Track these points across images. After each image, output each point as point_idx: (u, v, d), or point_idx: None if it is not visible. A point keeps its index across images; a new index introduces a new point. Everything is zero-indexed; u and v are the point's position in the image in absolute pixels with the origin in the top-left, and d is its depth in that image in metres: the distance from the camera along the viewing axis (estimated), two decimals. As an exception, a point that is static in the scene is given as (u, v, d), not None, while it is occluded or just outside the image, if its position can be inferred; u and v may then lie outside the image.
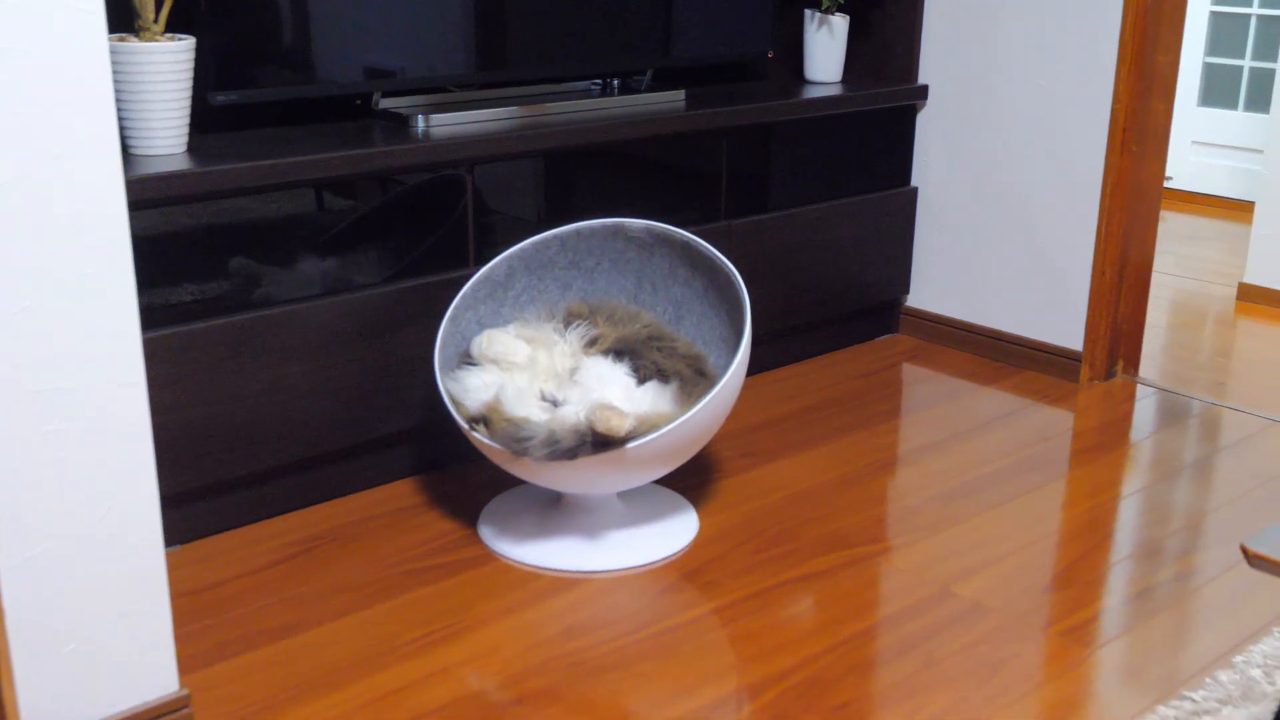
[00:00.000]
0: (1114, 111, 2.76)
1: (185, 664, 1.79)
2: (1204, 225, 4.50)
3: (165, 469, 2.00)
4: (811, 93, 2.87)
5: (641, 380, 2.04)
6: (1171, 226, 4.38)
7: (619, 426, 1.90)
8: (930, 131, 3.09)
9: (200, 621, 1.91)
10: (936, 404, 2.82)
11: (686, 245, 2.23)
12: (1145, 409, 2.82)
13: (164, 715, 1.58)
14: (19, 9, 1.33)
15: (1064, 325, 2.95)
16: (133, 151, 1.99)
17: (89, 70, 1.38)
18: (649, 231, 2.25)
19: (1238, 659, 1.86)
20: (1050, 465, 2.52)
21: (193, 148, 2.06)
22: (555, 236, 2.24)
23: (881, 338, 3.23)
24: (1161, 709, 1.74)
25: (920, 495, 2.37)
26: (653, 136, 2.55)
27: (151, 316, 1.97)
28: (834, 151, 2.92)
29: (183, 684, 1.64)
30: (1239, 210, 4.59)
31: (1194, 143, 4.72)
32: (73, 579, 1.48)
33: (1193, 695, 1.78)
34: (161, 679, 1.58)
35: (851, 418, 2.72)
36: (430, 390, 2.31)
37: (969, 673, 1.83)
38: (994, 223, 3.03)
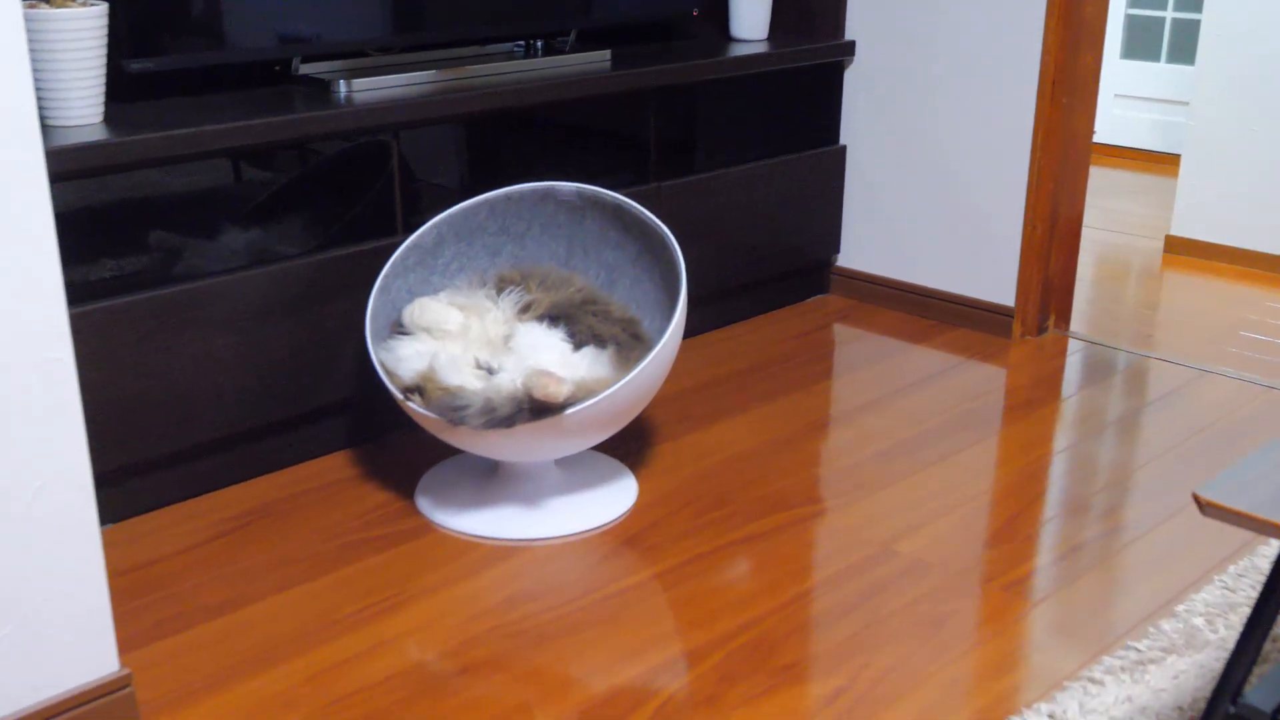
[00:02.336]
0: (1043, 63, 2.85)
1: (124, 643, 1.82)
2: (1128, 179, 4.64)
3: (95, 447, 2.02)
4: (738, 50, 2.93)
5: (577, 346, 2.09)
6: (1095, 180, 4.50)
7: (557, 393, 1.95)
8: (858, 89, 3.17)
9: (137, 600, 1.94)
10: (869, 364, 2.90)
11: (618, 208, 2.28)
12: (1077, 364, 2.93)
13: (105, 695, 1.61)
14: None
15: (995, 281, 3.05)
16: (48, 123, 1.99)
17: (2, 39, 1.39)
18: (579, 195, 2.30)
19: (1179, 608, 1.95)
20: (984, 422, 2.61)
21: (109, 118, 2.06)
22: (484, 202, 2.28)
23: (813, 298, 3.31)
24: (1106, 659, 1.82)
25: (856, 455, 2.46)
26: (579, 99, 2.59)
27: (73, 292, 1.98)
28: (762, 110, 2.98)
29: (122, 663, 1.68)
30: (1163, 163, 4.75)
31: (1117, 95, 4.86)
32: (5, 562, 1.50)
33: (1136, 645, 1.85)
34: (101, 659, 1.61)
35: (785, 379, 2.80)
36: (362, 361, 2.35)
37: (912, 629, 1.91)
38: (924, 180, 3.11)
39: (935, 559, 2.09)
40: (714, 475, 2.36)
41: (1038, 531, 2.20)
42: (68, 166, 1.92)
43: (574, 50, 2.70)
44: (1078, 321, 3.18)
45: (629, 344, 2.13)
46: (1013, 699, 1.75)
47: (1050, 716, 1.70)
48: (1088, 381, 2.84)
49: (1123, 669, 1.80)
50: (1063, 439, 2.55)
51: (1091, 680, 1.77)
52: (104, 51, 2.01)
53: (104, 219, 2.03)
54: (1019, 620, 1.94)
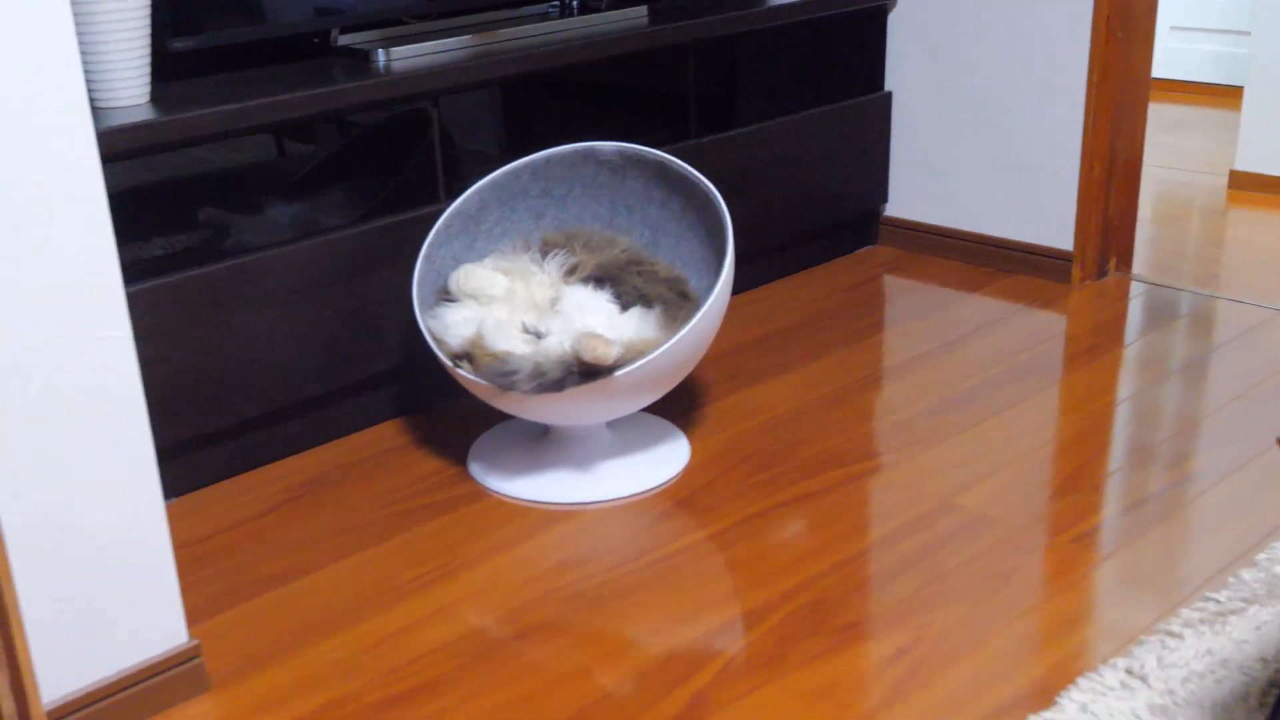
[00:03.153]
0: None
1: (190, 614, 1.89)
2: (1188, 114, 4.59)
3: (152, 423, 2.08)
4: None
5: (624, 307, 2.13)
6: (1153, 117, 4.45)
7: (606, 355, 1.99)
8: (902, 33, 3.15)
9: (201, 571, 2.01)
10: (922, 315, 2.91)
11: (661, 166, 2.30)
12: (1140, 307, 2.92)
13: (176, 666, 1.68)
14: (-22, -32, 1.39)
15: (1052, 225, 3.04)
16: (97, 104, 2.06)
17: (53, 23, 1.44)
18: (621, 154, 2.33)
19: (1260, 556, 1.91)
20: (1045, 370, 2.61)
21: (156, 97, 2.12)
22: (525, 165, 2.32)
23: (861, 250, 3.32)
24: (1184, 611, 1.78)
25: (912, 409, 2.47)
26: (616, 56, 2.62)
27: (126, 271, 2.04)
28: (804, 60, 2.99)
29: (190, 634, 1.74)
30: (1224, 96, 4.69)
31: (1173, 28, 4.80)
32: (76, 537, 1.57)
33: (1216, 596, 1.82)
34: (171, 630, 1.69)
35: (836, 333, 2.82)
36: (410, 329, 2.40)
37: (976, 585, 1.90)
38: (974, 124, 3.11)
39: (998, 513, 2.10)
40: (766, 433, 2.39)
41: (1104, 482, 2.19)
42: (118, 147, 1.98)
43: (609, 7, 2.72)
44: (1140, 264, 3.16)
45: (676, 303, 2.16)
46: (1087, 654, 1.75)
47: (1128, 671, 1.67)
48: (1152, 325, 2.83)
49: (1202, 621, 1.77)
50: (1127, 386, 2.55)
51: (1169, 634, 1.75)
52: (149, 32, 2.07)
53: (153, 197, 2.09)
54: (1088, 574, 1.93)
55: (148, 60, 2.08)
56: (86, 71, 2.03)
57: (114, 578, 1.62)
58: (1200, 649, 1.72)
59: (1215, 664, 1.69)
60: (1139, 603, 1.86)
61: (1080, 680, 1.67)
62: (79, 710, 1.60)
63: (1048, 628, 1.81)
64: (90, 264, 1.52)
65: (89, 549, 1.59)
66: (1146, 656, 1.70)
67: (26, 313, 1.48)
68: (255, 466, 2.32)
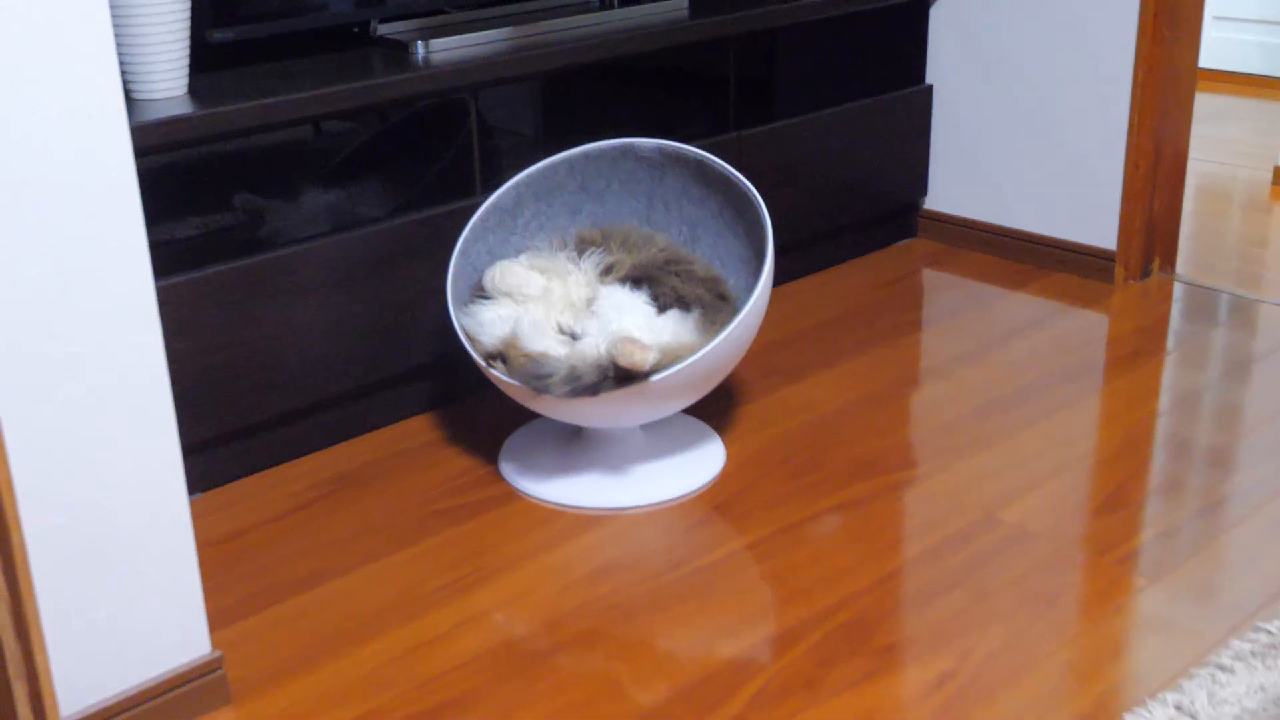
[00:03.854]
0: (1145, -8, 2.73)
1: (213, 619, 1.83)
2: (1229, 105, 4.47)
3: (182, 417, 2.01)
4: (822, -10, 2.84)
5: (661, 309, 2.05)
6: (1195, 108, 4.32)
7: (642, 360, 1.91)
8: (944, 25, 3.06)
9: (226, 573, 1.94)
10: (962, 312, 2.82)
11: (700, 164, 2.22)
12: (1184, 309, 2.82)
13: (197, 679, 1.62)
14: (6, -39, 1.31)
15: (1095, 223, 2.94)
16: (134, 96, 1.99)
17: (88, 15, 1.37)
18: (660, 151, 2.24)
19: None
20: (1088, 374, 2.52)
21: (193, 89, 2.05)
22: (563, 160, 2.24)
23: (900, 243, 3.23)
24: (1235, 643, 1.70)
25: (952, 412, 2.39)
26: (657, 49, 2.52)
27: (159, 258, 1.97)
28: (844, 52, 2.89)
29: (213, 643, 1.68)
30: (1268, 87, 4.56)
31: (1215, 18, 4.67)
32: (98, 546, 1.50)
33: (1267, 626, 1.72)
34: (193, 642, 1.62)
35: (874, 330, 2.73)
36: (443, 323, 2.33)
37: (1021, 607, 1.82)
38: (1016, 118, 3.01)
39: (1042, 527, 2.01)
40: (804, 435, 2.31)
41: (1152, 497, 2.10)
42: (156, 140, 1.92)
43: (650, -2, 2.63)
44: (1182, 262, 3.06)
45: (714, 305, 2.08)
46: (1134, 687, 1.66)
47: (1177, 708, 1.58)
48: (1197, 328, 2.73)
49: (1253, 654, 1.68)
50: (1174, 392, 2.45)
51: (1220, 667, 1.66)
52: (188, 23, 2.00)
53: (187, 187, 2.02)
54: (1136, 596, 1.84)
55: (186, 51, 2.01)
56: (124, 62, 1.96)
57: (136, 588, 1.55)
58: (1253, 684, 1.63)
59: (1268, 701, 1.60)
60: (1187, 630, 1.77)
61: (1127, 716, 1.59)
62: (100, 724, 1.54)
63: (1094, 656, 1.73)
64: (120, 267, 1.45)
65: (112, 559, 1.52)
66: (1197, 692, 1.62)
67: (54, 315, 1.41)
68: (284, 461, 2.25)
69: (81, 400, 1.45)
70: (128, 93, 1.98)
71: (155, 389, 1.51)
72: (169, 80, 1.99)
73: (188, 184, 2.02)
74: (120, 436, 1.49)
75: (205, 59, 2.14)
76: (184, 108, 1.96)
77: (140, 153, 1.83)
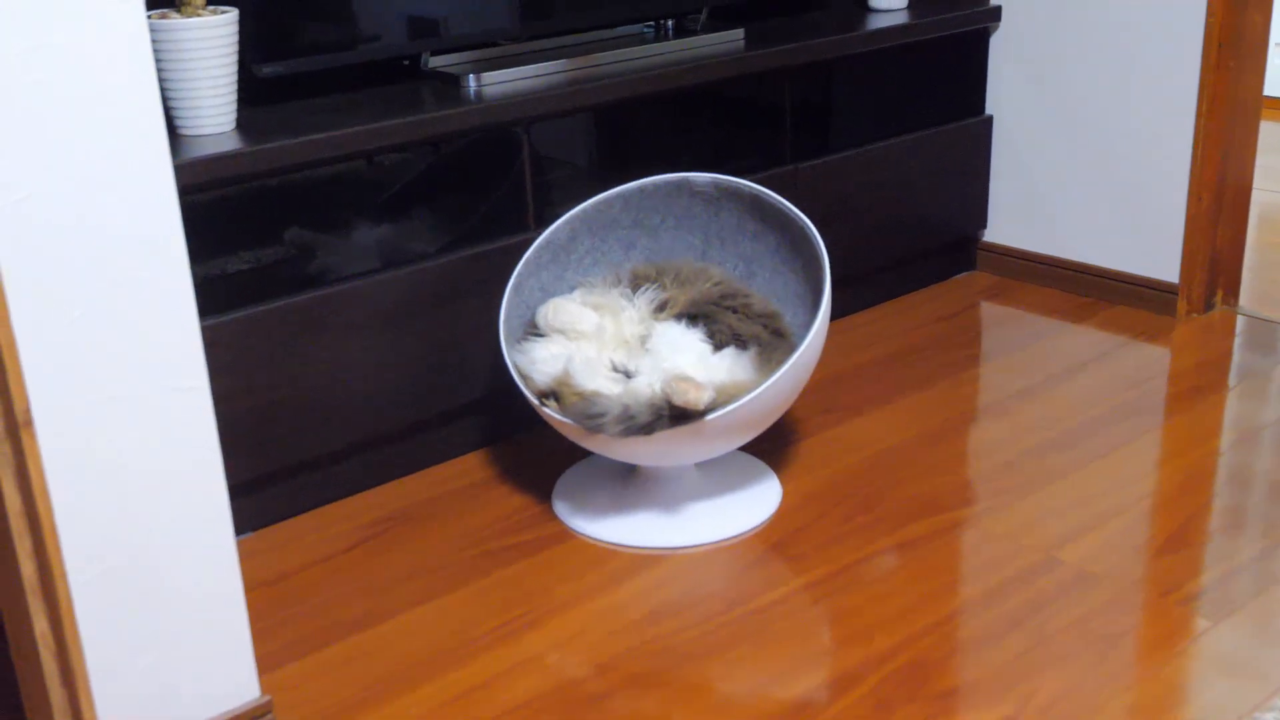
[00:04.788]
0: (1208, 24, 2.64)
1: (262, 662, 1.77)
2: (1295, 134, 4.35)
3: (231, 456, 1.97)
4: (877, 22, 2.77)
5: (717, 346, 1.98)
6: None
7: (697, 400, 1.85)
8: (1004, 55, 2.98)
9: (275, 615, 1.90)
10: (1022, 346, 2.74)
11: (756, 199, 2.16)
12: (1247, 341, 2.72)
13: (245, 724, 1.58)
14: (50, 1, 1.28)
15: (1157, 255, 2.85)
16: (181, 132, 1.95)
17: (129, 54, 1.33)
18: (716, 185, 2.18)
19: None
20: (1149, 410, 2.43)
21: (241, 124, 2.01)
22: (618, 195, 2.18)
23: (958, 275, 3.14)
24: None
25: (1012, 450, 2.30)
26: (713, 81, 2.47)
27: (208, 303, 1.93)
28: (902, 83, 2.82)
29: (263, 686, 1.63)
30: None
31: (1278, 45, 4.53)
32: (145, 591, 1.46)
33: None
34: (242, 686, 1.57)
35: (933, 365, 2.65)
36: (495, 359, 2.28)
37: (1083, 649, 1.75)
38: (1077, 149, 2.93)
39: (1103, 568, 1.93)
40: (861, 474, 2.24)
41: (1214, 536, 2.02)
42: (202, 178, 1.88)
43: (706, 29, 2.58)
44: (1245, 295, 2.96)
45: (771, 343, 2.01)
46: None
47: None
48: (1261, 362, 2.63)
49: None
50: (1237, 430, 2.36)
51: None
52: (235, 58, 1.96)
53: (237, 222, 1.98)
54: (1195, 641, 1.77)
55: (233, 87, 1.97)
56: (170, 98, 1.92)
57: (184, 631, 1.51)
58: None
59: None
60: (1252, 672, 1.70)
61: None
62: (147, 772, 1.50)
63: (1157, 699, 1.66)
64: (166, 310, 1.41)
65: (158, 603, 1.48)
66: None
67: (97, 358, 1.37)
68: (334, 500, 2.21)
69: (126, 444, 1.41)
70: (174, 128, 1.95)
71: (201, 432, 1.46)
72: (216, 116, 1.95)
73: (237, 219, 1.98)
74: (166, 480, 1.45)
75: (253, 93, 2.10)
76: (232, 144, 1.92)
77: (187, 190, 1.79)
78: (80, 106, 1.30)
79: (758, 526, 2.09)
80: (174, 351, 1.42)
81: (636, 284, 2.09)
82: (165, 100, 1.91)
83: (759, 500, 2.14)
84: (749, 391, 1.90)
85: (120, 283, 1.37)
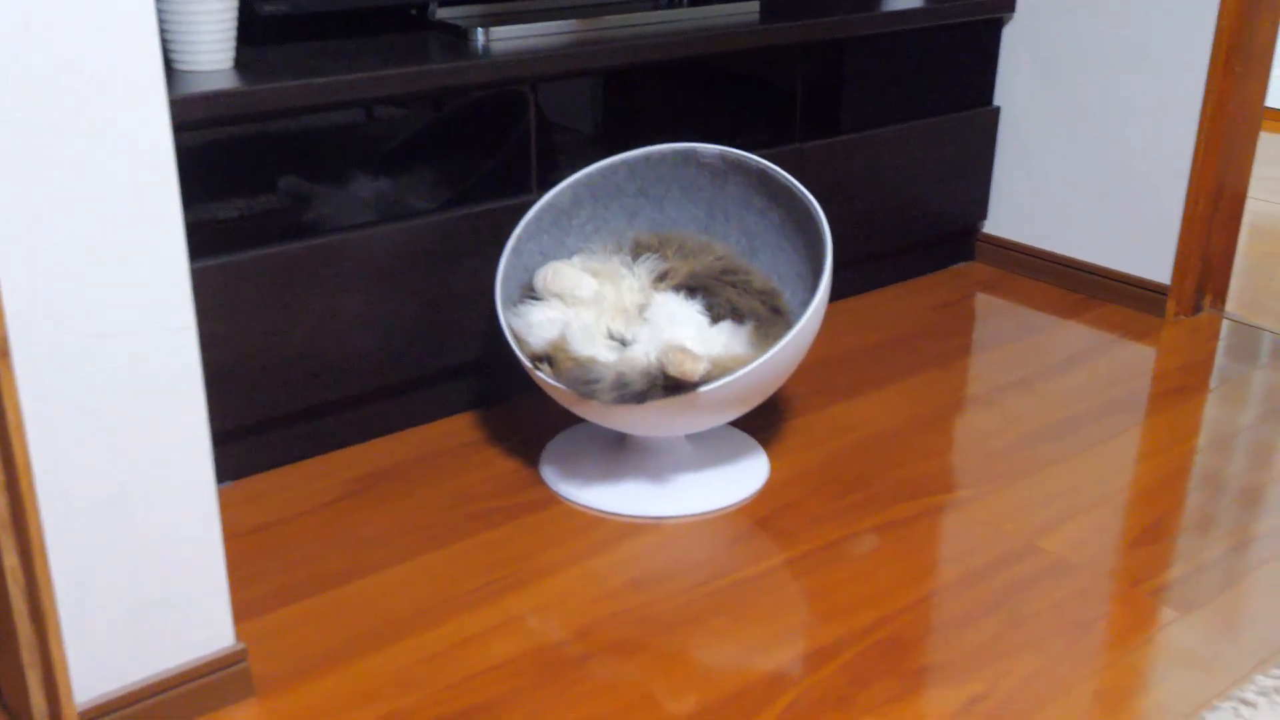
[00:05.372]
0: (1219, 29, 2.60)
1: (240, 610, 1.74)
2: (1291, 146, 4.33)
3: (217, 404, 1.94)
4: (893, 4, 2.72)
5: (715, 319, 1.95)
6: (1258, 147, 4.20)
7: (692, 370, 1.81)
8: (1016, 47, 2.94)
9: (254, 565, 1.86)
10: (1015, 339, 2.71)
11: (763, 174, 2.12)
12: (1232, 347, 2.71)
13: (220, 670, 1.53)
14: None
15: (1151, 256, 2.82)
16: (177, 67, 1.89)
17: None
18: (723, 158, 2.14)
19: None
20: (1133, 407, 2.42)
21: (240, 63, 1.96)
22: (623, 162, 2.14)
23: (957, 265, 3.11)
24: (1260, 678, 1.66)
25: (999, 439, 2.28)
26: (724, 52, 2.43)
27: (199, 238, 1.88)
28: (913, 69, 2.78)
29: (237, 634, 1.59)
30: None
31: (1281, 56, 4.51)
32: (121, 531, 1.42)
33: None
34: (217, 633, 1.53)
35: (927, 352, 2.62)
36: (490, 321, 2.24)
37: (1055, 634, 1.75)
38: (1080, 146, 2.89)
39: (1079, 559, 1.92)
40: (850, 455, 2.21)
41: (1186, 532, 2.01)
42: (197, 115, 1.81)
43: (721, 0, 2.53)
44: (1232, 301, 2.94)
45: (769, 319, 1.98)
46: (1159, 718, 1.59)
47: None
48: (1244, 367, 2.62)
49: (1276, 690, 1.63)
50: (1217, 429, 2.35)
51: (1244, 702, 1.61)
52: (236, -7, 1.90)
53: (230, 167, 1.93)
54: (1165, 629, 1.77)
55: (233, 24, 1.91)
56: (166, 31, 1.86)
57: (160, 575, 1.47)
58: None
59: None
60: (1215, 664, 1.71)
61: None
62: (115, 711, 1.45)
63: (1122, 686, 1.66)
64: (155, 245, 1.36)
65: (135, 545, 1.44)
66: None
67: (82, 292, 1.32)
68: (320, 453, 2.16)
69: (108, 381, 1.36)
70: (169, 63, 1.89)
71: (187, 373, 1.42)
72: (214, 52, 1.89)
73: (233, 163, 1.93)
74: (148, 420, 1.40)
75: (254, 32, 2.04)
76: (229, 82, 1.86)
77: (180, 127, 1.74)
78: (75, 33, 1.25)
79: (744, 501, 2.06)
80: (163, 289, 1.37)
81: (638, 253, 2.05)
82: (162, 33, 1.85)
83: (747, 475, 2.11)
84: (744, 365, 1.86)
85: (109, 215, 1.32)
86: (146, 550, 1.44)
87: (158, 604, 1.47)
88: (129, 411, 1.38)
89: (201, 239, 1.89)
